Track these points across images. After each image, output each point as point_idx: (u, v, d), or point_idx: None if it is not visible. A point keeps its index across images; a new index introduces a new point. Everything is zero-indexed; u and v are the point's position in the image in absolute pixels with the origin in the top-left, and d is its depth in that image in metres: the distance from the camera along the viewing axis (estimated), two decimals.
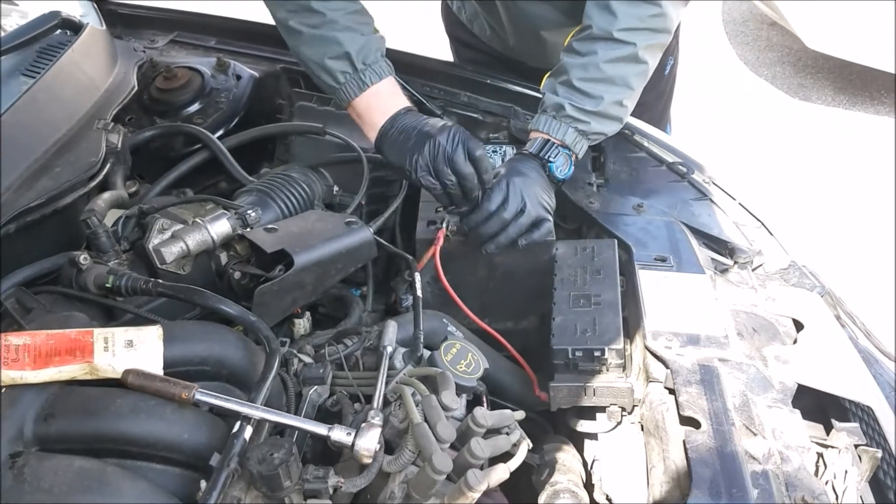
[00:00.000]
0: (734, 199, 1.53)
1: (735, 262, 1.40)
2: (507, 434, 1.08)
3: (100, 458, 0.90)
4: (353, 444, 0.94)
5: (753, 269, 1.40)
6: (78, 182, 1.37)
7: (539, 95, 1.52)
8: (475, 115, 1.78)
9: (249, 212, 1.31)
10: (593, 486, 1.13)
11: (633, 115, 1.57)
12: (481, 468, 0.98)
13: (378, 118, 1.43)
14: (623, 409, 1.15)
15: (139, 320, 1.14)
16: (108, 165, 1.48)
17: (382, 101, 1.44)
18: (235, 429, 0.91)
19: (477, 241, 1.38)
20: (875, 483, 1.05)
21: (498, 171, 1.42)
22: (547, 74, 1.52)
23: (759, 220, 1.49)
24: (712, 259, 1.38)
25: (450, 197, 1.37)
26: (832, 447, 1.04)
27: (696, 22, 4.84)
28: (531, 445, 1.10)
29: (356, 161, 1.59)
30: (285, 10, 1.44)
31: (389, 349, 1.18)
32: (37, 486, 0.83)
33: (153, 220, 1.29)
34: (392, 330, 1.21)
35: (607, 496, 1.10)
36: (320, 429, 0.96)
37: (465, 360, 1.18)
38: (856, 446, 1.04)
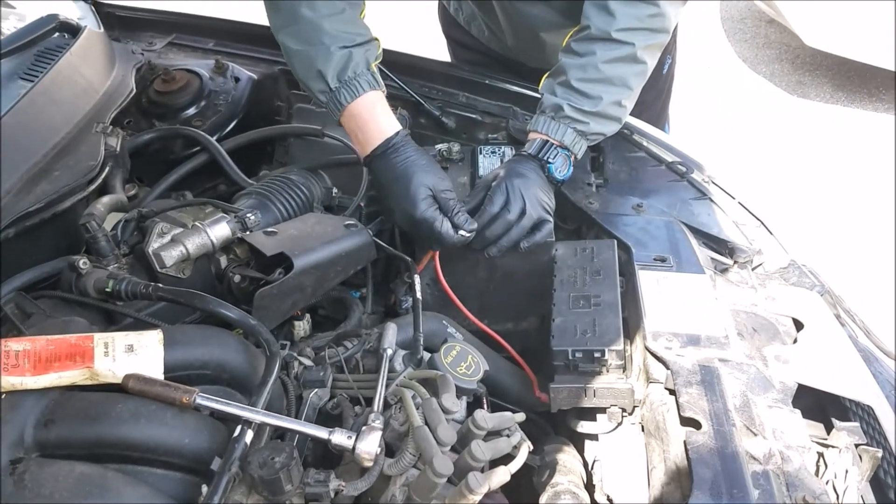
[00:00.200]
0: (734, 198, 1.53)
1: (735, 262, 1.40)
2: (508, 436, 1.08)
3: (101, 464, 0.89)
4: (353, 448, 0.94)
5: (753, 269, 1.40)
6: (77, 186, 1.37)
7: (538, 96, 1.52)
8: (474, 116, 1.78)
9: (249, 215, 1.31)
10: (594, 486, 1.13)
11: (631, 114, 1.56)
12: (482, 470, 0.98)
13: (360, 148, 1.42)
14: (623, 410, 1.15)
15: (139, 325, 1.14)
16: (106, 169, 1.48)
17: (361, 127, 1.39)
18: (236, 433, 0.91)
19: (479, 245, 1.38)
20: (875, 482, 1.05)
21: (497, 172, 1.42)
22: (545, 75, 1.52)
23: (758, 220, 1.49)
24: (712, 259, 1.38)
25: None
26: (833, 447, 1.04)
27: (694, 20, 4.84)
28: (532, 447, 1.10)
29: (355, 163, 1.58)
30: (278, 23, 1.42)
31: (389, 351, 1.18)
32: (37, 492, 0.83)
33: (153, 223, 1.28)
34: (392, 332, 1.21)
35: (608, 497, 1.10)
36: (321, 432, 0.96)
37: (465, 362, 1.18)
38: (856, 446, 1.04)
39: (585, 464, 1.18)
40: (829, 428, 1.10)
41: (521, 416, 1.12)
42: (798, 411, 1.06)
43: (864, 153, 3.96)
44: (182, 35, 2.09)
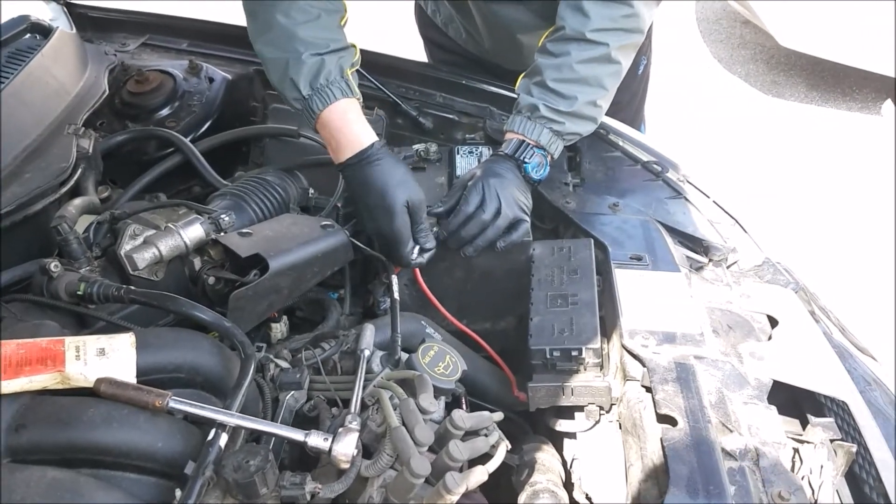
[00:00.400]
0: (708, 197, 1.54)
1: (710, 260, 1.41)
2: (486, 435, 1.08)
3: (73, 469, 0.88)
4: (330, 450, 0.94)
5: (728, 267, 1.41)
6: (48, 188, 1.36)
7: (514, 96, 1.52)
8: (451, 116, 1.78)
9: (223, 216, 1.30)
10: (573, 485, 1.14)
11: (607, 114, 1.57)
12: (460, 470, 0.98)
13: (334, 156, 1.41)
14: (601, 408, 1.16)
15: (111, 328, 1.13)
16: (79, 171, 1.46)
17: (334, 135, 1.37)
18: (210, 436, 0.90)
19: (455, 245, 1.38)
20: (851, 477, 1.06)
21: (473, 172, 1.42)
22: (521, 75, 1.52)
23: (733, 218, 1.50)
24: (687, 257, 1.39)
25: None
26: (808, 442, 1.05)
27: (669, 20, 4.87)
28: (510, 446, 1.10)
29: (331, 164, 1.57)
30: (255, 31, 1.41)
31: (367, 353, 1.18)
32: (8, 498, 0.82)
33: (125, 225, 1.27)
34: (369, 333, 1.21)
35: (587, 495, 1.10)
36: (297, 435, 0.95)
37: (443, 362, 1.18)
38: (831, 441, 1.05)
39: (564, 462, 1.19)
40: (804, 424, 1.11)
41: (499, 416, 1.12)
42: (773, 407, 1.07)
43: (839, 152, 4.01)
44: (155, 36, 2.07)
